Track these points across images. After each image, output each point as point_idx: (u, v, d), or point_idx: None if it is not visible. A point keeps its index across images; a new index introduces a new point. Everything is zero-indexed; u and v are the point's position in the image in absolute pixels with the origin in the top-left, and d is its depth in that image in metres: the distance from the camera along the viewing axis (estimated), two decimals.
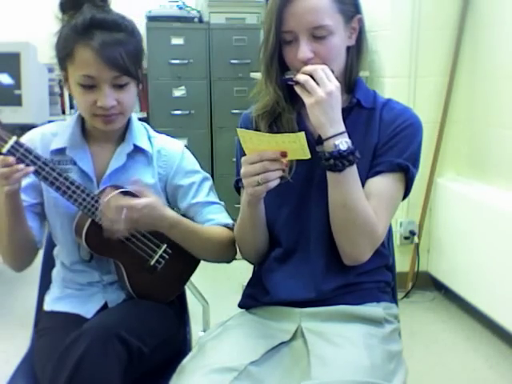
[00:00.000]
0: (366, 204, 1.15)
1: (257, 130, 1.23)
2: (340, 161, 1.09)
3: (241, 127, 1.28)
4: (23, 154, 1.15)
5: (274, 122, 1.23)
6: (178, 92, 3.66)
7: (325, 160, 1.10)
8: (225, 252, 1.35)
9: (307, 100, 1.08)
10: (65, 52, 1.21)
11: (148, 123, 1.42)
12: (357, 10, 1.18)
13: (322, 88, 1.07)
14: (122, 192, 1.25)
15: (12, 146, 1.14)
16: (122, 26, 1.21)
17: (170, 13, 3.64)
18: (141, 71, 1.29)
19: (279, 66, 1.18)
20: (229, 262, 1.39)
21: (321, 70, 1.09)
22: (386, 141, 1.20)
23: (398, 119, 1.21)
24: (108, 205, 1.17)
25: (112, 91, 1.21)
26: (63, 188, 1.20)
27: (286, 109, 1.21)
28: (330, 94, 1.07)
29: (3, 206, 1.19)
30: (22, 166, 1.13)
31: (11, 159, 1.13)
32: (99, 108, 1.21)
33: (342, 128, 1.10)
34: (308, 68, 1.10)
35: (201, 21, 3.68)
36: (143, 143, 1.35)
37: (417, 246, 2.89)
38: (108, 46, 1.17)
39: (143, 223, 1.20)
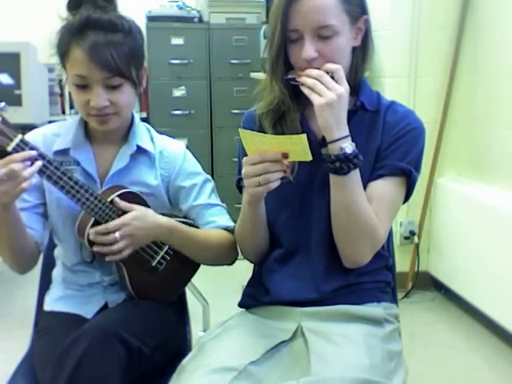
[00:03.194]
0: (368, 207, 1.15)
1: (261, 128, 1.23)
2: (346, 163, 1.09)
3: (244, 126, 1.28)
4: None
5: (279, 122, 1.22)
6: (178, 92, 3.66)
7: (330, 162, 1.10)
8: (225, 255, 1.35)
9: (317, 101, 1.07)
10: (61, 51, 1.22)
11: (148, 123, 1.42)
12: (363, 10, 1.18)
13: (332, 90, 1.07)
14: (123, 193, 1.25)
15: (18, 145, 1.13)
16: (118, 27, 1.20)
17: (170, 13, 3.64)
18: (140, 72, 1.28)
19: (285, 64, 1.18)
20: (230, 264, 1.39)
21: (326, 75, 1.08)
22: (389, 144, 1.20)
23: (401, 123, 1.21)
24: (98, 232, 1.19)
25: (104, 91, 1.21)
26: (67, 187, 1.20)
27: (291, 107, 1.21)
28: (340, 96, 1.07)
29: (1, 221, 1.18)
30: (34, 155, 1.13)
31: (19, 156, 1.11)
32: (92, 108, 1.22)
33: (347, 131, 1.11)
34: (314, 72, 1.09)
35: (201, 21, 3.68)
36: (146, 144, 1.35)
37: (417, 245, 2.89)
38: (99, 46, 1.17)
39: (140, 236, 1.22)
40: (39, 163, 1.13)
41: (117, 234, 1.18)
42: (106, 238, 1.18)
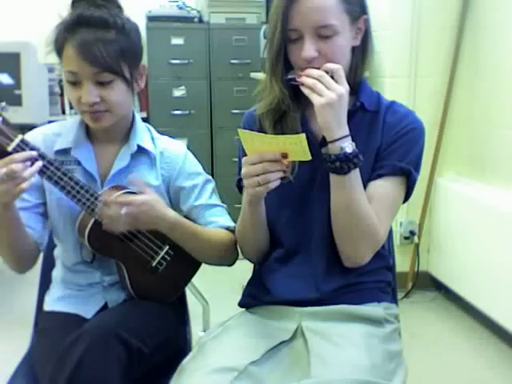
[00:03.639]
0: (368, 207, 1.15)
1: (261, 128, 1.23)
2: (346, 163, 1.09)
3: (244, 126, 1.28)
4: None
5: (279, 122, 1.22)
6: (178, 92, 3.66)
7: (330, 162, 1.10)
8: (226, 255, 1.35)
9: (317, 101, 1.07)
10: (57, 49, 1.23)
11: (148, 123, 1.42)
12: (363, 10, 1.18)
13: (332, 90, 1.07)
14: (124, 193, 1.25)
15: (18, 145, 1.13)
16: (109, 24, 1.20)
17: (170, 13, 3.64)
18: (136, 70, 1.27)
19: (285, 64, 1.18)
20: (230, 265, 1.39)
21: (326, 76, 1.08)
22: (389, 144, 1.20)
23: (401, 123, 1.21)
24: (107, 202, 1.18)
25: (94, 88, 1.21)
26: (67, 188, 1.20)
27: (291, 107, 1.21)
28: (340, 96, 1.07)
29: (0, 220, 1.18)
30: (34, 155, 1.13)
31: (19, 156, 1.11)
32: (84, 104, 1.22)
33: (347, 131, 1.11)
34: (314, 72, 1.09)
35: (201, 21, 3.68)
36: (147, 144, 1.35)
37: (417, 245, 2.89)
38: (88, 43, 1.17)
39: (143, 221, 1.20)
40: (39, 163, 1.13)
41: (123, 211, 1.16)
42: (111, 210, 1.17)
